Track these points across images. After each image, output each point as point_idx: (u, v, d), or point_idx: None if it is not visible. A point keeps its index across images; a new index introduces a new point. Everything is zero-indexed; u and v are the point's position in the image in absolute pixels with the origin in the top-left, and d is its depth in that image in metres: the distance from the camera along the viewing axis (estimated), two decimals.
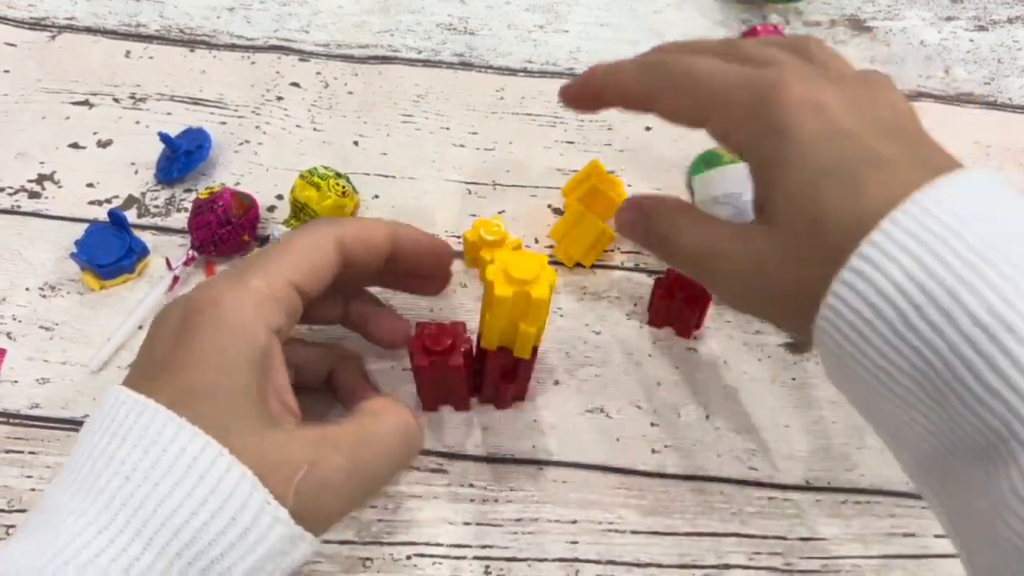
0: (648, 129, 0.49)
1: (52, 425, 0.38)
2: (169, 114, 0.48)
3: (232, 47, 0.51)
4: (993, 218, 0.24)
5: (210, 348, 0.28)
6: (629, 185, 0.46)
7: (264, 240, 0.43)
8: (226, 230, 0.41)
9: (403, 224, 0.35)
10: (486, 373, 0.36)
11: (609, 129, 0.49)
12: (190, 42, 0.51)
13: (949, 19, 0.56)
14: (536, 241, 0.44)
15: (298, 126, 0.48)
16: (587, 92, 0.34)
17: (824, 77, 0.30)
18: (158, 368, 0.28)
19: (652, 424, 0.39)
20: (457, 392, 0.37)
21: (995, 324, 0.22)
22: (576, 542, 0.36)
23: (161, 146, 0.45)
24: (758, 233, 0.29)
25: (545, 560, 0.35)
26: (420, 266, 0.36)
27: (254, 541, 0.26)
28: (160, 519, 0.25)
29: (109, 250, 0.41)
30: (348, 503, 0.29)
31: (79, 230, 0.42)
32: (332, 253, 0.32)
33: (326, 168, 0.43)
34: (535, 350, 0.34)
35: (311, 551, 0.28)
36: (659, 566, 0.35)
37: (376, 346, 0.38)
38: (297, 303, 0.31)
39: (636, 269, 0.44)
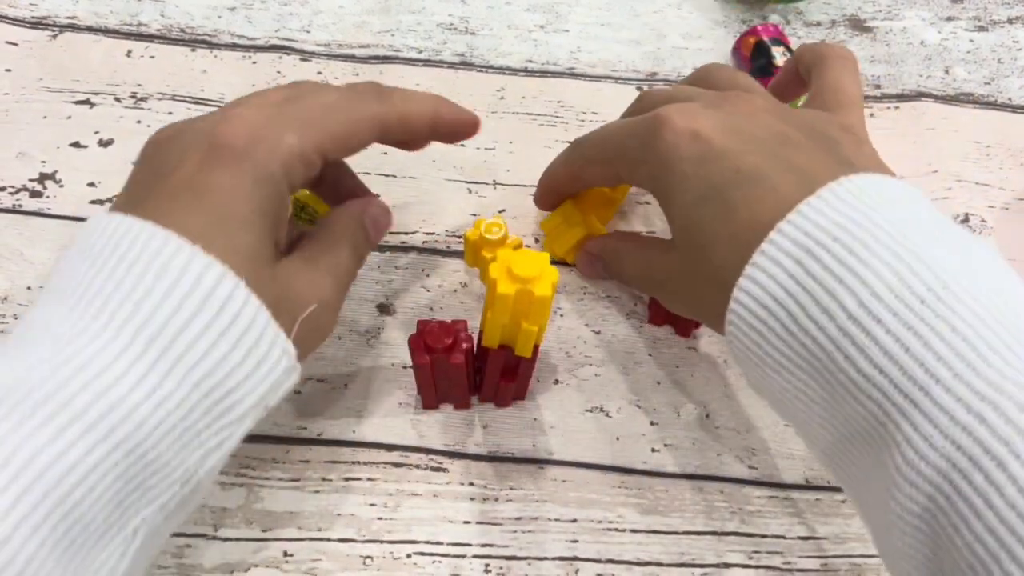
0: None
1: None
2: (170, 113, 0.48)
3: (233, 47, 0.51)
4: (866, 223, 0.26)
5: (238, 186, 0.28)
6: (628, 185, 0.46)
7: None
8: None
9: (444, 103, 0.35)
10: (487, 371, 0.36)
11: None
12: (191, 41, 0.51)
13: (949, 19, 0.56)
14: (536, 240, 0.44)
15: None
16: (548, 193, 0.41)
17: (706, 106, 0.32)
18: (179, 187, 0.28)
19: (652, 423, 0.39)
20: (458, 391, 0.37)
21: (866, 317, 0.25)
22: (576, 541, 0.36)
23: None
24: (669, 257, 0.34)
25: (545, 559, 0.35)
26: (442, 141, 0.37)
27: (265, 372, 0.27)
28: (180, 348, 0.25)
29: None
30: (335, 313, 0.32)
31: None
32: (369, 135, 0.32)
33: None
34: (536, 348, 0.34)
35: (296, 381, 0.29)
36: (659, 565, 0.36)
37: (373, 349, 0.38)
38: (315, 169, 0.31)
39: None
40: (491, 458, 0.38)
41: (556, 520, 0.36)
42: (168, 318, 0.25)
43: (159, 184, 0.28)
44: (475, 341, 0.35)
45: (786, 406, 0.29)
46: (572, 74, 0.52)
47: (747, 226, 0.28)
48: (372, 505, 0.36)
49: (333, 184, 0.38)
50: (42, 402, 0.23)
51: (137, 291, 0.25)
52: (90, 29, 0.51)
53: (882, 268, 0.25)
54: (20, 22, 0.51)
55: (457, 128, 0.36)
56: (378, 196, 0.37)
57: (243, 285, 0.26)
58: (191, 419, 0.25)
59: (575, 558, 0.36)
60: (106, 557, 0.24)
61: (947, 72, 0.53)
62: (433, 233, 0.44)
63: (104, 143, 0.47)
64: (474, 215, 0.45)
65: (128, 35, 0.51)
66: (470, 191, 0.46)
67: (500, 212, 0.45)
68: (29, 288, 0.41)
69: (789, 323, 0.27)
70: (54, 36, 0.51)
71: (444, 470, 0.37)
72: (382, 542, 0.35)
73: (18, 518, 0.22)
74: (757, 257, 0.27)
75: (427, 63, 0.51)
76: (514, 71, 0.52)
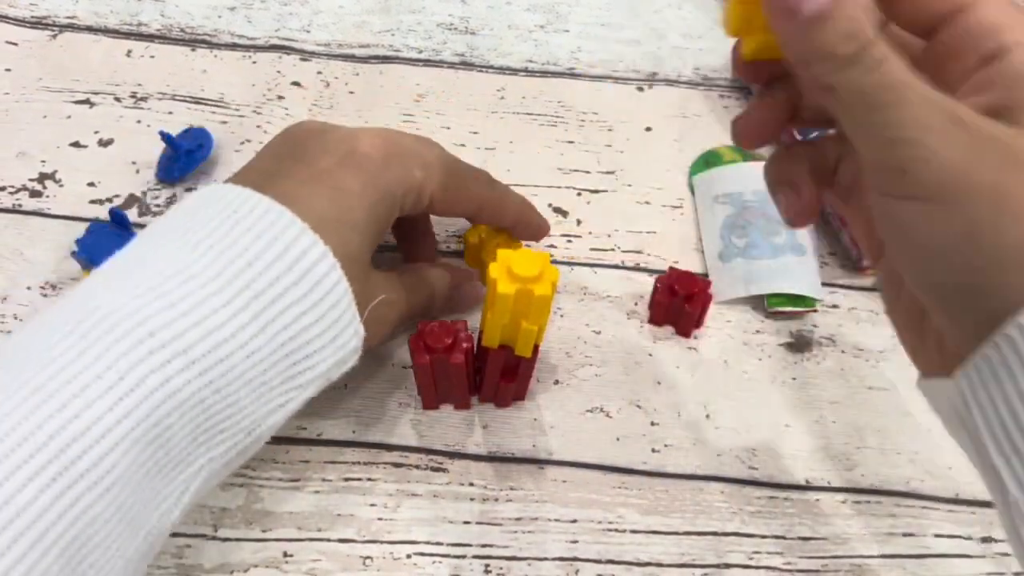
0: (648, 130, 0.49)
1: None
2: (170, 113, 0.48)
3: (233, 46, 0.51)
4: None
5: (364, 193, 0.31)
6: (629, 185, 0.46)
7: None
8: None
9: (529, 208, 0.40)
10: (487, 371, 0.36)
11: (610, 130, 0.49)
12: (191, 41, 0.51)
13: None
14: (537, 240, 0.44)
15: None
16: None
17: None
18: (313, 177, 0.31)
19: (652, 423, 0.39)
20: (458, 391, 0.37)
21: None
22: (576, 541, 0.36)
23: (162, 145, 0.46)
24: (1006, 135, 0.20)
25: (545, 559, 0.35)
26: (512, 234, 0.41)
27: (338, 347, 0.30)
28: (277, 310, 0.28)
29: (110, 249, 0.40)
30: (390, 334, 0.36)
31: (80, 229, 0.42)
32: (469, 208, 0.37)
33: None
34: (536, 348, 0.34)
35: (355, 363, 0.32)
36: (659, 565, 0.36)
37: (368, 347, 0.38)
38: (420, 210, 0.35)
39: (636, 269, 0.44)
40: (491, 458, 0.38)
41: (556, 520, 0.36)
42: (272, 282, 0.28)
43: (295, 169, 0.31)
44: (475, 341, 0.35)
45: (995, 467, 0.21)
46: (572, 74, 0.52)
47: None
48: (372, 505, 0.36)
49: (408, 227, 0.41)
50: (154, 331, 0.26)
51: (249, 252, 0.28)
52: (90, 29, 0.51)
53: None
54: (20, 22, 0.51)
55: (530, 233, 0.40)
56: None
57: (338, 267, 0.29)
58: (270, 374, 0.28)
59: (575, 558, 0.35)
60: (172, 489, 0.27)
61: None
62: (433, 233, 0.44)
63: (104, 143, 0.47)
64: None
65: (128, 35, 0.51)
66: None
67: None
68: (29, 288, 0.41)
69: None
70: (54, 36, 0.51)
71: (444, 470, 0.37)
72: (382, 542, 0.35)
73: (122, 433, 0.24)
74: None
75: (427, 63, 0.51)
76: (514, 71, 0.52)
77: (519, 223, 0.39)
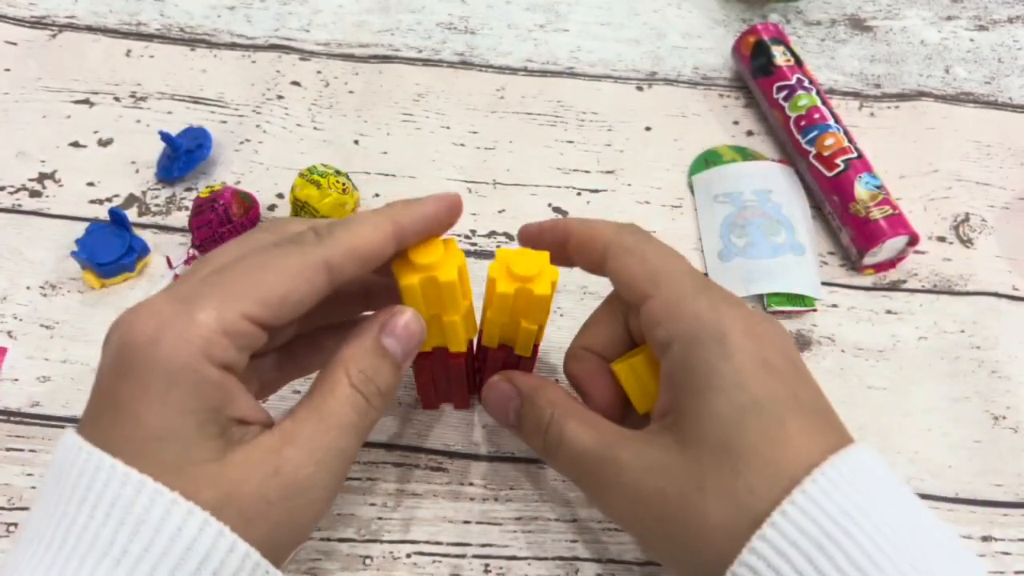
0: (648, 129, 0.49)
1: (52, 423, 0.38)
2: (170, 113, 0.48)
3: (233, 46, 0.51)
4: (881, 509, 0.25)
5: (154, 391, 0.24)
6: (628, 185, 0.46)
7: None
8: (227, 229, 0.41)
9: (401, 209, 0.29)
10: (487, 371, 0.36)
11: (609, 130, 0.49)
12: (191, 41, 0.51)
13: (949, 18, 0.56)
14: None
15: (299, 125, 0.48)
16: (530, 241, 0.34)
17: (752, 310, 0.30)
18: (102, 407, 0.25)
19: None
20: (457, 390, 0.37)
21: None
22: (576, 541, 0.36)
23: (162, 145, 0.46)
24: (665, 446, 0.27)
25: (545, 559, 0.35)
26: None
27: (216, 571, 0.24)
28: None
29: (110, 249, 0.41)
30: (323, 499, 0.27)
31: (80, 229, 0.42)
32: (310, 286, 0.26)
33: (325, 166, 0.43)
34: (536, 348, 0.34)
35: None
36: (658, 565, 0.35)
37: None
38: (256, 337, 0.26)
39: None
40: (491, 458, 0.38)
41: (556, 520, 0.36)
42: (116, 554, 0.23)
43: (96, 397, 0.26)
44: (474, 340, 0.35)
45: None
46: (572, 73, 0.52)
47: (796, 463, 0.25)
48: (372, 505, 0.36)
49: (308, 345, 0.33)
50: None
51: (88, 531, 0.23)
52: (89, 28, 0.51)
53: (893, 570, 0.23)
54: (19, 21, 0.51)
55: (429, 226, 0.29)
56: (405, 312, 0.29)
57: (193, 509, 0.24)
58: None
59: (575, 558, 0.35)
60: None
61: (947, 71, 0.53)
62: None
63: (103, 142, 0.47)
64: (474, 215, 0.45)
65: (127, 34, 0.51)
66: (470, 191, 0.46)
67: (500, 212, 0.45)
68: (28, 288, 0.41)
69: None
70: (53, 35, 0.51)
71: (444, 470, 0.37)
72: (382, 542, 0.35)
73: None
74: (789, 507, 0.25)
75: (426, 63, 0.51)
76: (514, 70, 0.52)
77: (404, 239, 0.29)
